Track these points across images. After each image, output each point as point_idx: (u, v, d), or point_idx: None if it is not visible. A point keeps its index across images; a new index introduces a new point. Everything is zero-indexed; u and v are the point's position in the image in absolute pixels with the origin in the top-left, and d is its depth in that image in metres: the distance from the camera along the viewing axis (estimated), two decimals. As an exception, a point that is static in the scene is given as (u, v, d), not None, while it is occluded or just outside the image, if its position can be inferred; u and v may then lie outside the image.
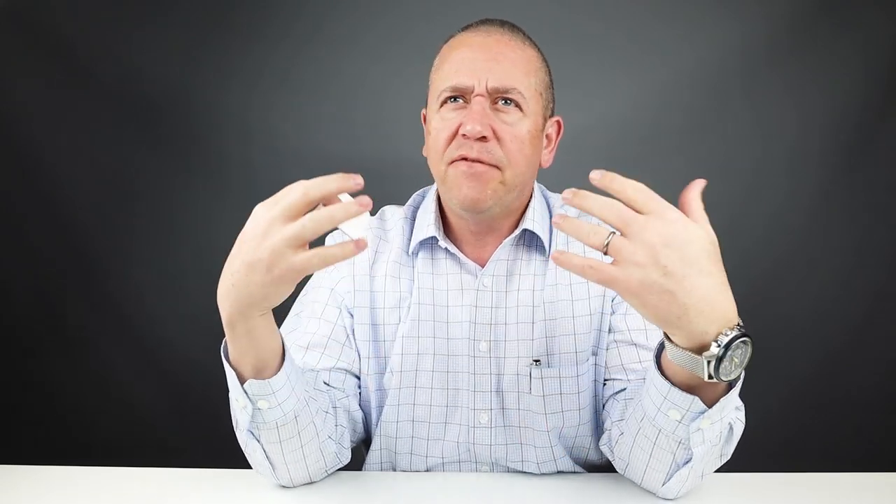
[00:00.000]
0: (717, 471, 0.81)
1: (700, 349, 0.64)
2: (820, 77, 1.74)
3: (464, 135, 0.86)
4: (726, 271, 0.64)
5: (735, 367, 0.64)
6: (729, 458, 0.78)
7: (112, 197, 1.84)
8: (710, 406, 0.70)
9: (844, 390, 1.77)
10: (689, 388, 0.70)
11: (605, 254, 0.61)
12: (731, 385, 0.70)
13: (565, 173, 1.59)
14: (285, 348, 0.76)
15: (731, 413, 0.72)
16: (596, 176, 0.62)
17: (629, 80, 1.80)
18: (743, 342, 0.63)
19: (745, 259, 1.77)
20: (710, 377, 0.63)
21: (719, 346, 0.62)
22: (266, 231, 0.64)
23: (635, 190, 0.62)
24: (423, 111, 0.98)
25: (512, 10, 1.47)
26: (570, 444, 0.93)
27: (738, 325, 0.64)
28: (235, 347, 0.72)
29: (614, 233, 0.61)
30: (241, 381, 0.74)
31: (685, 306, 0.61)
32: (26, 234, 1.83)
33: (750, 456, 1.41)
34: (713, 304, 0.62)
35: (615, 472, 0.86)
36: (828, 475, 0.88)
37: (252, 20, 1.83)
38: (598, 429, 0.94)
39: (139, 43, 1.82)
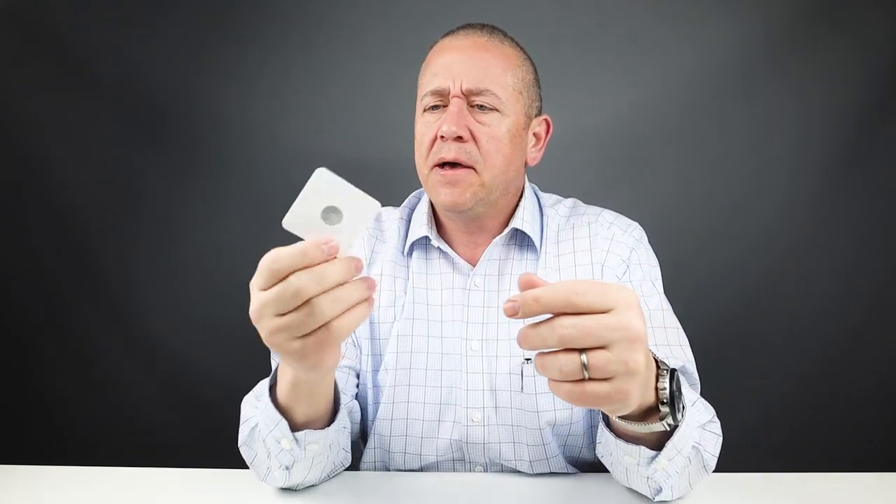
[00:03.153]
0: (718, 471, 0.81)
1: (647, 411, 0.62)
2: (820, 77, 1.74)
3: (441, 136, 0.88)
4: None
5: (680, 396, 0.63)
6: (714, 466, 0.78)
7: (112, 197, 1.84)
8: (659, 448, 0.69)
9: (844, 390, 1.77)
10: (635, 438, 0.70)
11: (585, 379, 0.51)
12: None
13: (564, 174, 1.60)
14: (337, 393, 0.77)
15: (690, 442, 0.71)
16: (511, 308, 0.51)
17: (628, 81, 1.80)
18: (671, 377, 0.61)
19: (746, 259, 1.77)
20: (672, 426, 0.63)
21: (664, 403, 0.61)
22: (259, 319, 0.54)
23: (558, 297, 0.50)
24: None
25: (512, 11, 1.48)
26: (562, 443, 0.93)
27: (656, 359, 0.61)
28: (292, 397, 0.71)
29: (582, 355, 0.51)
30: (293, 426, 0.73)
31: (632, 390, 0.54)
32: (27, 234, 1.83)
33: (750, 456, 1.42)
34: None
35: (607, 471, 0.86)
36: (828, 475, 0.88)
37: (253, 21, 1.83)
38: (590, 428, 0.94)
39: (140, 43, 1.82)
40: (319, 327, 0.53)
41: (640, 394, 0.54)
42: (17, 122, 1.80)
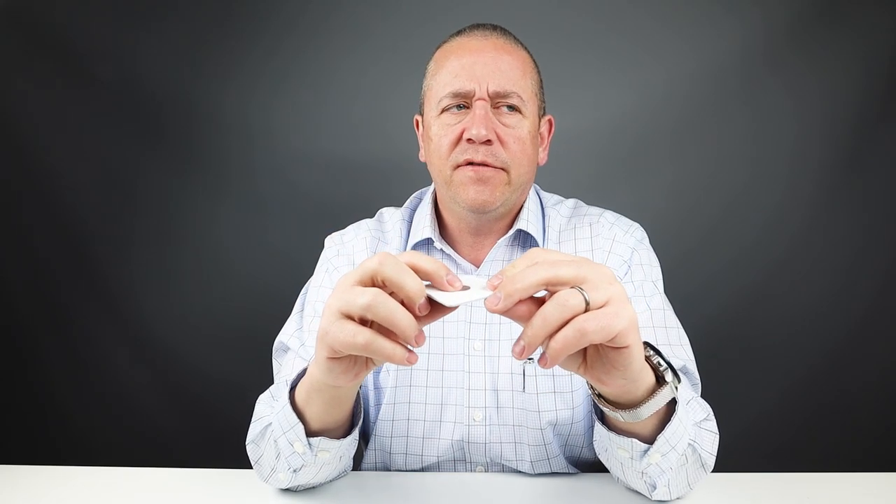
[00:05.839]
0: (718, 470, 0.81)
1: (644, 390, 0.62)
2: (820, 77, 1.74)
3: (469, 139, 0.87)
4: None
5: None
6: (712, 465, 0.77)
7: (112, 197, 1.84)
8: (650, 442, 0.69)
9: (844, 390, 1.77)
10: (627, 431, 0.70)
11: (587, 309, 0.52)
12: (668, 416, 0.68)
13: (563, 174, 1.60)
14: (358, 408, 0.77)
15: (685, 439, 0.71)
16: (493, 302, 0.52)
17: (628, 81, 1.80)
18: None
19: (745, 259, 1.77)
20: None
21: (664, 368, 0.62)
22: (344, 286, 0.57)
23: (536, 272, 0.52)
24: (416, 117, 1.00)
25: (511, 12, 1.48)
26: (563, 443, 0.93)
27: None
28: (311, 403, 0.71)
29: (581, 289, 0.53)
30: (308, 431, 0.73)
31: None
32: (26, 233, 1.83)
33: (749, 456, 1.42)
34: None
35: (607, 471, 0.86)
36: (828, 475, 0.88)
37: (252, 21, 1.83)
38: (591, 427, 0.94)
39: (140, 43, 1.82)
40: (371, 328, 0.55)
41: (638, 337, 0.56)
42: (16, 122, 1.80)
